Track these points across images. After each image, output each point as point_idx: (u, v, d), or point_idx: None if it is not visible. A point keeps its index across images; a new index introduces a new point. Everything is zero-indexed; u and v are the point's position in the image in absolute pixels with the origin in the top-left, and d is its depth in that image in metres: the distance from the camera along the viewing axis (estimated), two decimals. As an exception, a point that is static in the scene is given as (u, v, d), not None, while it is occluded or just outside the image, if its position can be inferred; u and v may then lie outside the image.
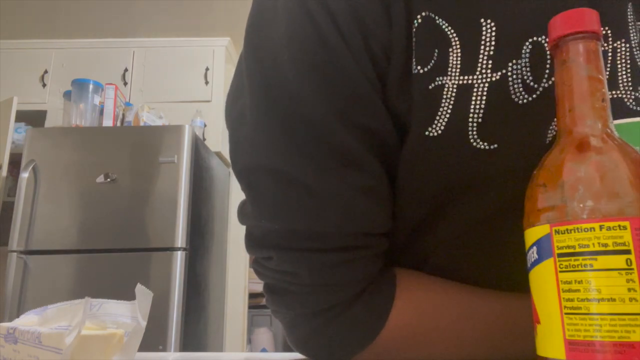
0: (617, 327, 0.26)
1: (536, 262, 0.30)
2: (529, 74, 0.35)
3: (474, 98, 0.34)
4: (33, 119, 2.81)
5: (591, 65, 0.31)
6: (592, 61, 0.31)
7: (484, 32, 0.34)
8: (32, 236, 2.09)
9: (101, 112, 2.45)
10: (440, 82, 0.35)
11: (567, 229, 0.29)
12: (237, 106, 0.41)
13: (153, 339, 1.91)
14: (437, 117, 0.35)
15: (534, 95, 0.35)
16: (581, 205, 0.28)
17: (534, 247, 0.31)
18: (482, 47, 0.34)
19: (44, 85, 2.93)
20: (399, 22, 0.34)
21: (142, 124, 2.40)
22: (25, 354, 0.33)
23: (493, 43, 0.34)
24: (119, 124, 2.48)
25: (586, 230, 0.28)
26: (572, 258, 0.28)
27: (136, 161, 2.15)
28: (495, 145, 0.35)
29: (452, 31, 0.34)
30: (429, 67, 0.35)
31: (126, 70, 2.91)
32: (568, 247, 0.28)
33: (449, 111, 0.35)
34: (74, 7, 2.73)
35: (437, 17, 0.34)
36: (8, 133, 2.42)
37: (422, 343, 0.41)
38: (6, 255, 2.07)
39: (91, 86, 2.44)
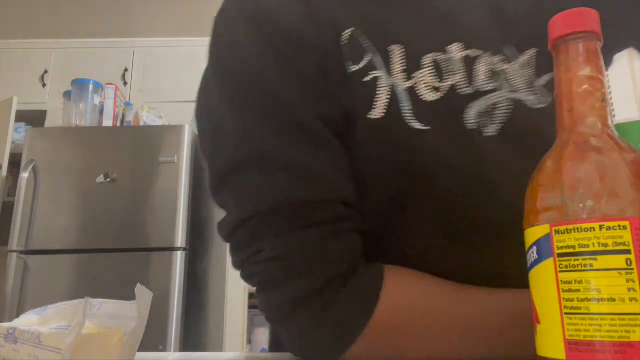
0: (617, 327, 0.26)
1: (536, 262, 0.30)
2: (432, 79, 0.45)
3: (398, 94, 0.44)
4: (33, 119, 2.81)
5: (591, 65, 0.31)
6: (592, 61, 0.31)
7: (395, 53, 0.45)
8: (32, 236, 2.09)
9: (101, 112, 2.45)
10: (374, 75, 0.44)
11: (567, 229, 0.29)
12: (214, 117, 0.47)
13: (153, 339, 1.91)
14: (375, 103, 0.43)
15: (440, 93, 0.44)
16: (581, 205, 0.28)
17: (534, 247, 0.31)
18: (396, 63, 0.45)
19: (44, 85, 2.93)
20: (329, 36, 0.45)
21: (142, 124, 2.40)
22: (25, 354, 0.33)
23: (403, 60, 0.45)
24: (119, 124, 2.48)
25: (586, 230, 0.28)
26: (572, 258, 0.28)
27: (136, 161, 2.15)
28: (429, 127, 0.43)
29: (373, 47, 0.45)
30: (360, 65, 0.44)
31: (126, 70, 2.91)
32: (568, 247, 0.28)
33: (386, 98, 0.43)
34: (74, 7, 2.73)
35: (360, 37, 0.45)
36: (8, 133, 2.42)
37: (418, 332, 0.42)
38: (6, 255, 2.07)
39: (91, 86, 2.44)
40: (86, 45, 3.01)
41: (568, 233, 0.28)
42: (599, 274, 0.27)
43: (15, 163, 2.38)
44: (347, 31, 0.45)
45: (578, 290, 0.28)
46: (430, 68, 0.45)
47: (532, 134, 0.44)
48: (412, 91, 0.44)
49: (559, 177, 0.30)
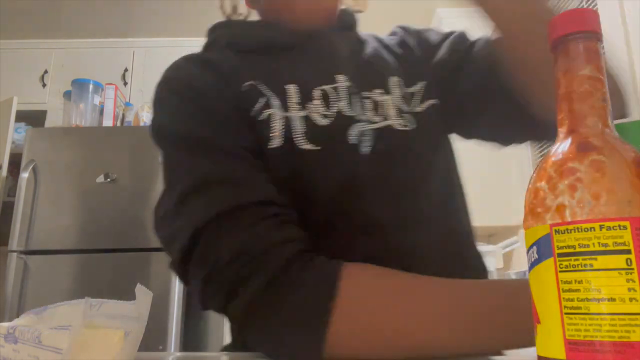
0: (617, 327, 0.26)
1: (536, 262, 0.30)
2: (322, 107, 0.58)
3: (294, 123, 0.56)
4: (33, 119, 2.81)
5: (591, 65, 0.31)
6: (592, 61, 0.31)
7: (290, 91, 0.58)
8: (32, 236, 2.09)
9: (101, 112, 2.45)
10: (268, 113, 0.57)
11: (567, 229, 0.29)
12: (164, 159, 0.59)
13: (153, 339, 1.91)
14: (272, 134, 0.55)
15: (329, 118, 0.57)
16: (581, 205, 0.28)
17: (534, 247, 0.31)
18: (291, 98, 0.58)
19: (44, 85, 2.93)
20: (235, 89, 0.58)
21: (142, 124, 2.40)
22: (25, 354, 0.33)
23: (297, 95, 0.58)
24: (119, 124, 2.48)
25: (586, 230, 0.28)
26: (572, 258, 0.28)
27: (136, 161, 2.15)
28: (319, 147, 0.55)
29: (270, 91, 0.58)
30: (257, 107, 0.57)
31: (126, 70, 2.91)
32: (568, 247, 0.28)
33: (281, 129, 0.56)
34: (74, 7, 2.73)
35: (258, 84, 0.59)
36: (8, 133, 2.42)
37: (385, 307, 0.45)
38: (6, 255, 2.07)
39: (91, 86, 2.44)
40: (86, 45, 3.01)
41: (568, 233, 0.28)
42: (599, 273, 0.27)
43: (15, 163, 2.38)
44: (246, 83, 0.59)
45: (578, 290, 0.28)
46: (320, 98, 0.59)
47: (398, 151, 0.58)
48: (307, 118, 0.57)
49: (558, 176, 0.30)
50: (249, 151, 0.54)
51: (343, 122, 0.57)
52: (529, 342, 0.31)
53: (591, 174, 0.29)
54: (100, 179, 2.13)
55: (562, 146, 0.31)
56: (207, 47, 0.70)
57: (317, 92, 0.59)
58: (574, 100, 0.31)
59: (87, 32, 2.96)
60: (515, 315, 0.42)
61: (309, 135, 0.55)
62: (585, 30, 0.31)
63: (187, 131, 0.56)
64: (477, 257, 0.67)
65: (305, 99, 0.58)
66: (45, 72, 2.95)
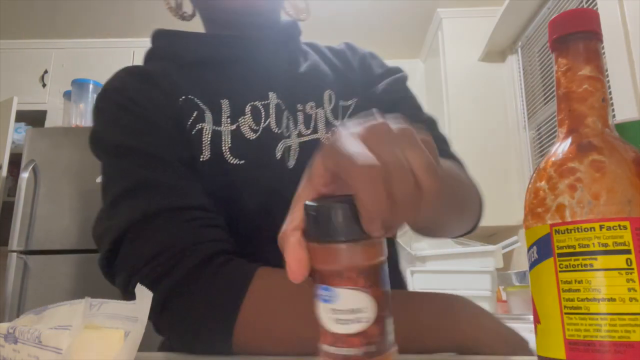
0: (617, 327, 0.26)
1: (536, 262, 0.30)
2: (251, 122, 0.62)
3: (223, 137, 0.60)
4: (33, 119, 2.81)
5: (591, 65, 0.31)
6: (592, 61, 0.31)
7: (223, 106, 0.62)
8: (32, 236, 2.08)
9: (101, 112, 2.45)
10: (200, 127, 0.60)
11: (567, 229, 0.29)
12: (103, 167, 0.63)
13: (153, 339, 1.90)
14: (203, 147, 0.59)
15: (257, 133, 0.61)
16: (581, 205, 0.28)
17: (534, 247, 0.31)
18: (223, 113, 0.61)
19: (44, 85, 2.93)
20: (172, 101, 0.61)
21: (142, 124, 2.40)
22: (25, 354, 0.33)
23: (228, 110, 0.62)
24: (119, 124, 2.48)
25: (586, 230, 0.28)
26: (572, 258, 0.28)
27: (136, 161, 2.15)
28: (243, 161, 0.59)
29: (204, 105, 0.61)
30: (191, 120, 0.60)
31: (126, 70, 2.91)
32: (568, 247, 0.28)
33: (209, 144, 0.59)
34: (74, 7, 2.72)
35: (194, 98, 0.62)
36: (8, 133, 2.42)
37: (288, 310, 0.49)
38: (6, 255, 2.07)
39: (91, 86, 2.44)
40: (86, 45, 3.01)
41: (568, 233, 0.28)
42: (599, 273, 0.27)
43: (15, 163, 2.38)
44: (182, 97, 0.61)
45: (578, 290, 0.28)
46: (250, 114, 0.62)
47: None
48: (236, 132, 0.60)
49: (559, 176, 0.30)
50: (182, 163, 0.58)
51: (269, 138, 0.61)
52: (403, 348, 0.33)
53: (591, 174, 0.29)
54: (100, 179, 2.13)
55: (562, 146, 0.31)
56: (148, 56, 0.73)
57: (248, 108, 0.62)
58: (574, 100, 0.31)
59: (87, 32, 2.96)
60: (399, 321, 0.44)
61: (236, 149, 0.59)
62: (585, 30, 0.31)
63: (122, 140, 0.59)
64: (398, 275, 0.70)
65: (236, 114, 0.62)
66: (45, 72, 2.95)
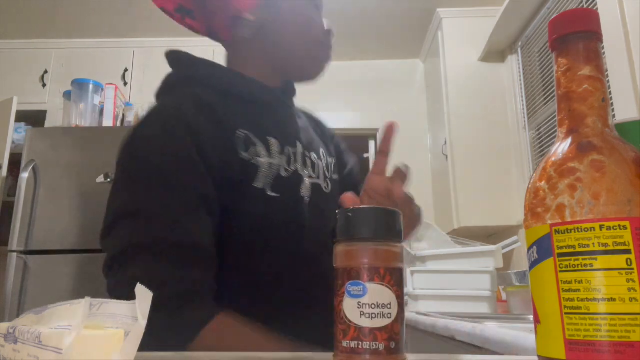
0: (617, 327, 0.26)
1: (536, 262, 0.30)
2: (285, 163, 0.73)
3: (269, 172, 0.70)
4: (33, 119, 2.81)
5: (591, 65, 0.31)
6: (592, 61, 0.31)
7: (271, 143, 0.72)
8: (32, 236, 2.08)
9: (101, 112, 2.45)
10: (257, 161, 0.69)
11: (567, 229, 0.29)
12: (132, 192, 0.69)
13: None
14: (258, 177, 0.69)
15: (289, 173, 0.73)
16: (581, 205, 0.28)
17: (534, 247, 0.31)
18: (272, 150, 0.72)
19: (44, 85, 2.93)
20: (224, 133, 0.68)
21: (142, 124, 2.40)
22: (25, 354, 0.33)
23: (275, 148, 0.73)
24: (119, 124, 2.48)
25: (586, 230, 0.28)
26: (572, 258, 0.28)
27: (136, 161, 2.15)
28: (278, 195, 0.70)
29: (256, 139, 0.71)
30: (248, 152, 0.69)
31: (126, 70, 2.91)
32: (568, 247, 0.28)
33: (260, 175, 0.69)
34: (74, 7, 2.73)
35: (249, 132, 0.71)
36: (8, 133, 2.42)
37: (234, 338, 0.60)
38: (6, 255, 2.07)
39: (91, 86, 2.44)
40: (86, 45, 3.01)
41: (568, 233, 0.28)
42: (599, 273, 0.27)
43: (15, 163, 2.38)
44: (238, 129, 0.69)
45: (578, 290, 0.28)
46: (287, 156, 0.74)
47: (322, 204, 0.76)
48: (277, 169, 0.71)
49: (559, 176, 0.30)
50: (204, 197, 0.64)
51: (296, 178, 0.74)
52: None
53: (591, 174, 0.29)
54: (100, 179, 2.13)
55: (562, 146, 0.31)
56: (187, 80, 0.76)
57: (286, 150, 0.74)
58: (574, 100, 0.31)
59: (87, 32, 2.96)
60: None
61: (275, 184, 0.70)
62: (585, 30, 0.31)
63: (156, 164, 0.64)
64: None
65: (278, 153, 0.73)
66: (45, 72, 2.95)
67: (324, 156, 0.84)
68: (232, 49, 0.81)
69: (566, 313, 0.28)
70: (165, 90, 0.76)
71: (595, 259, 0.27)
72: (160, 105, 0.71)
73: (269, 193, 0.69)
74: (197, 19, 0.83)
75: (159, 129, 0.66)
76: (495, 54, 2.61)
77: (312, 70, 0.80)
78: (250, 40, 0.78)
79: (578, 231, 0.28)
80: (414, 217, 0.77)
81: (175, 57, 0.80)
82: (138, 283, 0.51)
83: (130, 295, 0.48)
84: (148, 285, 0.48)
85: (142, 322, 0.33)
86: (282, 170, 0.72)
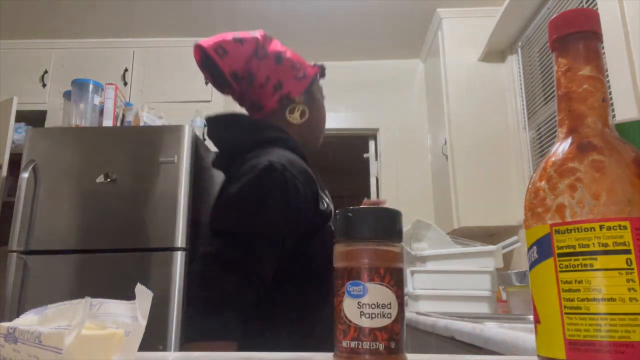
0: (617, 327, 0.26)
1: (536, 262, 0.30)
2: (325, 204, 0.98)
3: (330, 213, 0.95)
4: (33, 119, 2.81)
5: (591, 65, 0.31)
6: (592, 61, 0.31)
7: (326, 196, 1.00)
8: (32, 236, 2.09)
9: (101, 112, 2.45)
10: (330, 209, 0.94)
11: (567, 229, 0.29)
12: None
13: (153, 339, 1.91)
14: (332, 225, 0.85)
15: (329, 209, 0.97)
16: (581, 205, 0.28)
17: (534, 247, 0.31)
18: (328, 202, 0.99)
19: (44, 85, 2.93)
20: (314, 189, 0.91)
21: (142, 124, 2.40)
22: (25, 354, 0.33)
23: (328, 200, 1.00)
24: (119, 124, 2.48)
25: (586, 230, 0.28)
26: (572, 258, 0.28)
27: (136, 161, 2.15)
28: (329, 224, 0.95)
29: (320, 190, 0.95)
30: (324, 204, 0.93)
31: (126, 70, 2.91)
32: (568, 247, 0.28)
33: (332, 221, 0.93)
34: (74, 7, 2.73)
35: (319, 188, 0.92)
36: (8, 133, 2.42)
37: None
38: (6, 255, 2.07)
39: (91, 86, 2.44)
40: (86, 45, 3.01)
41: (568, 233, 0.28)
42: (599, 273, 0.27)
43: (15, 163, 2.38)
44: (318, 186, 0.92)
45: (578, 290, 0.28)
46: (323, 199, 0.94)
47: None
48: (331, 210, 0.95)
49: (559, 176, 0.30)
50: (286, 238, 0.85)
51: (330, 213, 0.95)
52: None
53: (591, 174, 0.29)
54: (100, 179, 2.13)
55: (562, 146, 0.31)
56: (279, 142, 0.94)
57: (322, 196, 0.94)
58: (574, 100, 0.31)
59: (87, 32, 2.96)
60: None
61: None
62: (585, 30, 0.31)
63: (272, 208, 0.84)
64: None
65: (329, 198, 1.00)
66: (45, 72, 2.95)
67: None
68: (274, 119, 0.99)
69: (566, 313, 0.28)
70: (253, 149, 0.91)
71: (595, 259, 0.27)
72: (289, 162, 0.87)
73: (330, 225, 0.93)
74: (240, 85, 0.97)
75: (289, 180, 0.85)
76: (495, 54, 2.61)
77: (316, 147, 1.06)
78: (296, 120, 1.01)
79: (578, 231, 0.28)
80: None
81: (233, 121, 0.96)
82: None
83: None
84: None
85: (142, 322, 0.33)
86: (327, 210, 0.94)
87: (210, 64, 0.97)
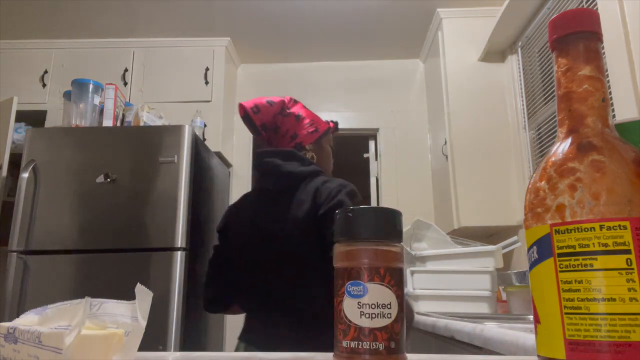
0: (617, 327, 0.26)
1: (536, 262, 0.30)
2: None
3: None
4: (33, 119, 2.81)
5: (591, 65, 0.31)
6: (592, 61, 0.31)
7: None
8: (32, 236, 2.09)
9: (101, 112, 2.45)
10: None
11: (567, 229, 0.29)
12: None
13: (153, 339, 1.91)
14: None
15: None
16: (581, 205, 0.28)
17: (534, 247, 0.31)
18: None
19: (44, 85, 2.93)
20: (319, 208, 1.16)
21: (142, 124, 2.40)
22: (25, 354, 0.33)
23: None
24: (119, 124, 2.48)
25: (586, 230, 0.28)
26: (572, 258, 0.28)
27: (136, 161, 2.15)
28: None
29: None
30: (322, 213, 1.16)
31: (126, 70, 2.91)
32: (568, 247, 0.28)
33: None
34: (74, 7, 2.73)
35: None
36: (8, 133, 2.42)
37: None
38: (6, 255, 2.07)
39: (91, 86, 2.44)
40: (86, 45, 3.01)
41: (568, 233, 0.28)
42: (599, 273, 0.27)
43: (15, 163, 2.38)
44: (320, 211, 1.14)
45: (578, 290, 0.28)
46: None
47: None
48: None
49: (559, 176, 0.30)
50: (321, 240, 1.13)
51: None
52: None
53: (591, 174, 0.29)
54: (100, 179, 2.13)
55: (562, 146, 0.31)
56: (322, 173, 1.25)
57: None
58: (574, 100, 0.31)
59: (87, 32, 2.96)
60: None
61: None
62: (585, 30, 0.31)
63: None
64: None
65: None
66: (45, 72, 2.95)
67: None
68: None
69: (566, 313, 0.28)
70: (312, 177, 1.21)
71: (595, 259, 0.27)
72: (352, 185, 1.17)
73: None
74: (267, 133, 1.31)
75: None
76: (495, 54, 2.61)
77: None
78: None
79: (578, 231, 0.28)
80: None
81: (292, 155, 1.23)
82: None
83: None
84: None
85: (142, 322, 0.33)
86: None
87: (248, 118, 1.30)
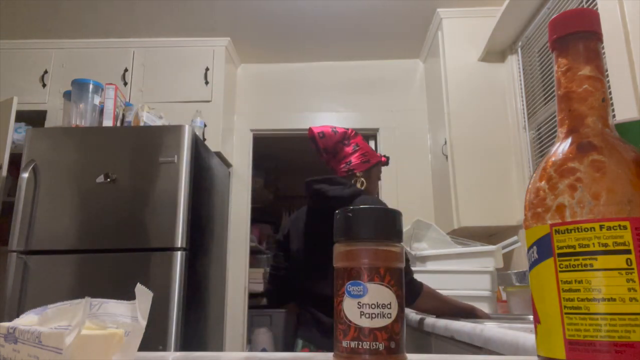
0: (617, 327, 0.26)
1: (536, 262, 0.30)
2: None
3: None
4: (33, 119, 2.81)
5: (591, 65, 0.31)
6: (592, 61, 0.31)
7: None
8: (32, 236, 2.09)
9: (101, 112, 2.45)
10: None
11: (567, 229, 0.29)
12: None
13: (153, 339, 1.91)
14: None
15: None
16: (581, 205, 0.28)
17: (534, 247, 0.31)
18: None
19: (44, 85, 2.93)
20: None
21: (142, 124, 2.40)
22: (25, 354, 0.33)
23: None
24: (119, 124, 2.48)
25: (586, 230, 0.28)
26: (572, 258, 0.28)
27: (136, 161, 2.15)
28: None
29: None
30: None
31: (126, 70, 2.91)
32: (568, 247, 0.28)
33: None
34: (74, 7, 2.72)
35: None
36: (8, 133, 2.42)
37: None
38: (6, 255, 2.07)
39: (91, 86, 2.44)
40: (86, 45, 3.01)
41: (568, 233, 0.28)
42: (599, 273, 0.27)
43: (15, 163, 2.38)
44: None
45: (578, 290, 0.28)
46: None
47: None
48: None
49: (559, 176, 0.30)
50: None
51: None
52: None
53: (591, 174, 0.29)
54: (100, 179, 2.13)
55: (562, 146, 0.31)
56: (364, 192, 1.49)
57: None
58: (574, 100, 0.31)
59: (87, 32, 2.95)
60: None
61: None
62: (585, 30, 0.31)
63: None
64: None
65: None
66: (45, 72, 2.95)
67: None
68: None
69: (566, 313, 0.28)
70: (356, 196, 1.43)
71: (595, 259, 0.27)
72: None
73: None
74: (328, 156, 1.57)
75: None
76: (495, 54, 2.61)
77: None
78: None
79: (578, 231, 0.28)
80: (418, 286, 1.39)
81: (336, 181, 1.47)
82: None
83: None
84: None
85: (142, 322, 0.33)
86: None
87: (314, 140, 1.55)
